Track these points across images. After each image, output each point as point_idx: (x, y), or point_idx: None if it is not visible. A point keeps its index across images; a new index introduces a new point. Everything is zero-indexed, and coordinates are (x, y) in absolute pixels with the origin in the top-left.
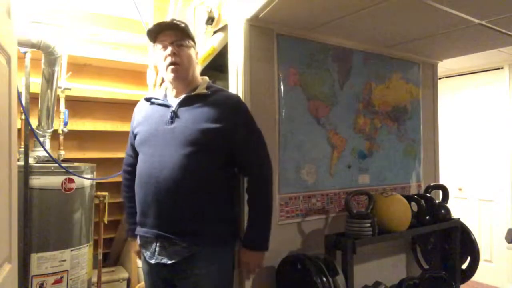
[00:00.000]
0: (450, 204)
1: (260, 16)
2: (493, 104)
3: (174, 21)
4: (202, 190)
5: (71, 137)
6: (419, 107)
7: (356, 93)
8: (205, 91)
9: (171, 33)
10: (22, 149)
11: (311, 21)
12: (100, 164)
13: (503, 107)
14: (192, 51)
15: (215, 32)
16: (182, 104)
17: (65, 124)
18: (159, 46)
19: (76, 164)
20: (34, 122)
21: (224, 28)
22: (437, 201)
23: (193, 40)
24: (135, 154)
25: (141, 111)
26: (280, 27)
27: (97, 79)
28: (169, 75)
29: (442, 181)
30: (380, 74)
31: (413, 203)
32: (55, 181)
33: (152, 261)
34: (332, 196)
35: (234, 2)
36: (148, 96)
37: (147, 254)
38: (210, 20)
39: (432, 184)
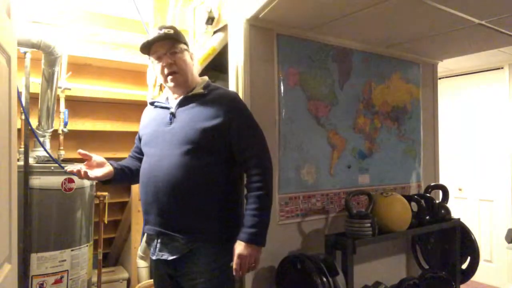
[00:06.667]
0: (450, 204)
1: (260, 16)
2: (493, 104)
3: (163, 31)
4: (199, 187)
5: (71, 137)
6: (419, 107)
7: (356, 93)
8: (201, 90)
9: (162, 43)
10: (22, 149)
11: (311, 21)
12: None
13: (503, 107)
14: (186, 55)
15: (215, 32)
16: (180, 105)
17: (65, 124)
18: (154, 58)
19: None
20: (34, 122)
21: (224, 28)
22: (437, 201)
23: (185, 43)
24: (138, 150)
25: (146, 115)
26: (280, 27)
27: (97, 79)
28: (169, 84)
29: (442, 181)
30: (380, 74)
31: (413, 203)
32: (55, 181)
33: (154, 257)
34: (332, 196)
35: (234, 2)
36: (152, 100)
37: (151, 250)
38: (210, 20)
39: (432, 184)
